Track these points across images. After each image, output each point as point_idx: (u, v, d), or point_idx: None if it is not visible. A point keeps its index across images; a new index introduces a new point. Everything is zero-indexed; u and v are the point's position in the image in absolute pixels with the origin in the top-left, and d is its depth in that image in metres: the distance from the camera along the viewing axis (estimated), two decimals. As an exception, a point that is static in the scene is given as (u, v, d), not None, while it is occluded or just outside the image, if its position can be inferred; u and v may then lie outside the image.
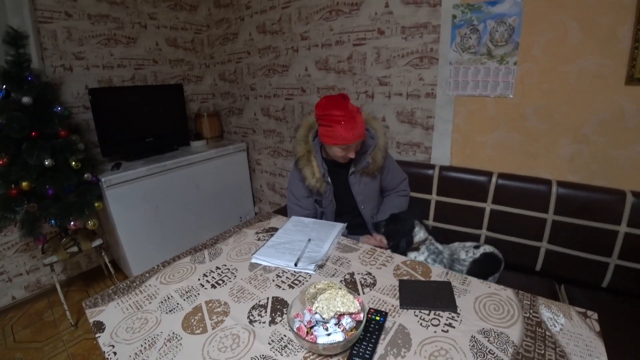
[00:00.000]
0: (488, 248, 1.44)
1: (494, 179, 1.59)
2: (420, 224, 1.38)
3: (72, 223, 1.83)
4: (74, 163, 1.78)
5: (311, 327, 0.75)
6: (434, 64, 1.70)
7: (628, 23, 1.25)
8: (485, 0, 1.48)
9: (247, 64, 2.66)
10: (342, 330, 0.73)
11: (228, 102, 2.99)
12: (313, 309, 0.77)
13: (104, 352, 0.80)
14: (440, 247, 1.42)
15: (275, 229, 1.37)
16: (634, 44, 1.25)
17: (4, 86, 1.65)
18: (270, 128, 2.68)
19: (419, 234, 1.35)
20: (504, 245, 1.57)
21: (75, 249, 1.95)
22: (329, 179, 1.47)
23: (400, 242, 1.32)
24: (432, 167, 1.74)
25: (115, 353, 0.79)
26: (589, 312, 0.87)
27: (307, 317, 0.77)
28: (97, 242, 2.03)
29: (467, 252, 1.41)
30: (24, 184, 1.66)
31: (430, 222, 1.77)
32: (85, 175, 1.88)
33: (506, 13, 1.45)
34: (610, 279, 1.43)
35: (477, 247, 1.43)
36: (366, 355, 0.72)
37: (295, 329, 0.72)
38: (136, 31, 2.51)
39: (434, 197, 1.74)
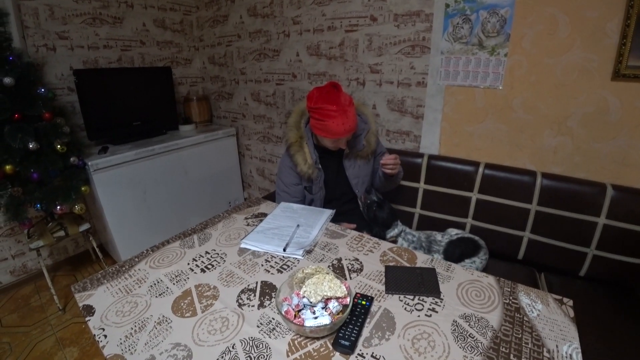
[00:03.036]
0: (466, 234, 1.50)
1: (480, 169, 1.62)
2: (397, 223, 1.48)
3: (58, 207, 1.80)
4: (59, 147, 1.75)
5: (299, 311, 0.77)
6: (425, 53, 1.70)
7: (617, 18, 1.26)
8: (478, -10, 1.48)
9: (238, 47, 2.61)
10: (329, 314, 0.76)
11: (217, 86, 2.94)
12: (301, 293, 0.79)
13: (94, 335, 0.81)
14: (415, 233, 1.49)
15: (265, 215, 1.38)
16: (621, 39, 1.27)
17: (-16, 66, 1.59)
18: (260, 113, 2.66)
19: (394, 230, 1.43)
20: (489, 234, 1.62)
21: (62, 233, 1.93)
22: (320, 166, 1.48)
23: (373, 230, 1.40)
24: (421, 155, 1.77)
25: (105, 336, 0.80)
26: (565, 299, 0.91)
27: (295, 301, 0.79)
28: (85, 226, 2.01)
29: (443, 235, 1.47)
30: (7, 167, 1.63)
31: (418, 210, 1.80)
32: (72, 159, 1.84)
33: (499, 4, 1.45)
34: (587, 268, 1.48)
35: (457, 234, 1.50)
36: (352, 338, 0.74)
37: (283, 312, 0.74)
38: (122, 11, 2.44)
39: (422, 186, 1.77)
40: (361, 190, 1.55)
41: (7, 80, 1.59)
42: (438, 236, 1.50)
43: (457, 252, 1.43)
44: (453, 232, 1.54)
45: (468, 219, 1.69)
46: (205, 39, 2.88)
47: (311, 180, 1.49)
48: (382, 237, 1.40)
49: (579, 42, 1.35)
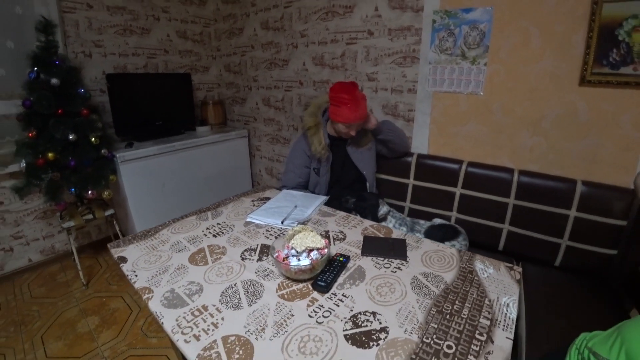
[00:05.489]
0: (448, 222, 1.66)
1: (464, 167, 1.79)
2: (382, 201, 1.63)
3: (89, 192, 2.05)
4: (93, 139, 2.01)
5: (286, 258, 0.97)
6: (415, 63, 1.91)
7: (581, 31, 1.43)
8: (461, 7, 1.68)
9: (251, 57, 2.87)
10: (310, 260, 0.95)
11: (232, 92, 3.20)
12: (289, 245, 0.98)
13: (127, 275, 1.02)
14: (401, 215, 1.69)
15: (268, 199, 1.59)
16: (586, 49, 1.43)
17: (35, 68, 1.87)
18: (270, 117, 2.90)
19: (382, 209, 1.60)
20: (471, 226, 1.77)
21: (90, 216, 2.18)
22: (330, 150, 1.74)
23: (367, 217, 1.56)
24: (411, 154, 1.95)
25: (136, 275, 1.01)
26: (515, 267, 1.07)
27: (285, 251, 0.99)
28: (110, 211, 2.26)
29: (426, 222, 1.63)
30: (50, 154, 1.89)
31: (407, 204, 1.98)
32: (102, 150, 2.10)
33: (478, 20, 1.65)
34: (561, 258, 1.60)
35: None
36: (328, 281, 0.93)
37: (274, 256, 0.94)
38: (150, 23, 2.73)
39: (411, 182, 1.95)
40: (368, 172, 1.81)
41: (54, 80, 1.86)
42: (422, 221, 1.68)
43: (438, 235, 1.59)
44: (437, 221, 1.71)
45: (453, 212, 1.85)
46: (222, 49, 3.15)
47: (320, 161, 1.73)
48: (375, 215, 1.59)
49: (549, 52, 1.52)
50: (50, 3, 2.17)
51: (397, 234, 1.27)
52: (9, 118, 2.11)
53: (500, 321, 0.83)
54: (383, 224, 1.57)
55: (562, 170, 1.62)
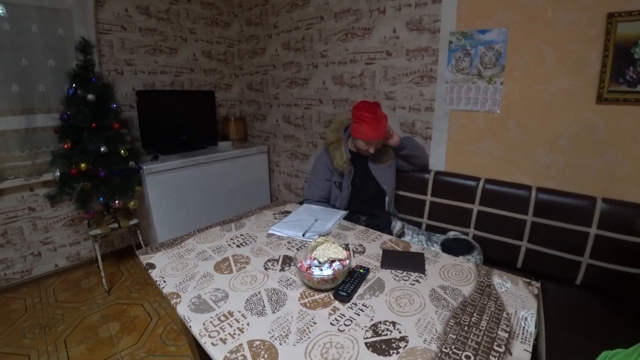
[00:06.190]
0: (462, 236, 1.67)
1: (481, 184, 1.80)
2: (394, 217, 1.67)
3: (117, 202, 2.15)
4: (122, 151, 2.12)
5: (309, 268, 1.01)
6: (432, 82, 1.96)
7: (596, 50, 1.45)
8: (476, 29, 1.74)
9: (272, 75, 2.99)
10: (332, 271, 0.99)
11: (253, 109, 3.32)
12: (312, 255, 1.02)
13: (156, 281, 1.07)
14: (417, 228, 1.73)
15: (289, 212, 1.64)
16: (602, 68, 1.45)
17: (74, 85, 2.00)
18: (289, 133, 2.98)
19: (396, 226, 1.63)
20: (489, 243, 1.77)
21: (115, 225, 2.27)
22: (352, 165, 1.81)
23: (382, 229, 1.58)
24: (429, 171, 1.98)
25: (165, 281, 1.07)
26: (533, 282, 1.08)
27: (308, 262, 1.03)
28: (134, 221, 2.35)
29: (442, 235, 1.66)
30: (82, 165, 2.01)
31: (425, 220, 2.00)
32: (130, 163, 2.21)
33: (494, 40, 1.70)
34: (583, 276, 1.58)
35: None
36: (349, 291, 0.97)
37: (297, 266, 0.98)
38: (177, 43, 2.89)
39: (428, 198, 1.97)
40: (388, 187, 1.86)
41: (90, 96, 1.99)
42: (437, 235, 1.70)
43: (453, 247, 1.61)
44: (451, 234, 1.73)
45: (470, 229, 1.86)
46: (244, 68, 3.29)
47: (343, 175, 1.80)
48: (390, 233, 1.61)
49: (564, 71, 1.55)
50: (89, 25, 2.33)
51: (415, 247, 1.30)
52: (46, 130, 2.25)
53: (518, 334, 0.84)
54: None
55: (581, 187, 1.61)
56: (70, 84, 2.01)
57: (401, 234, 1.63)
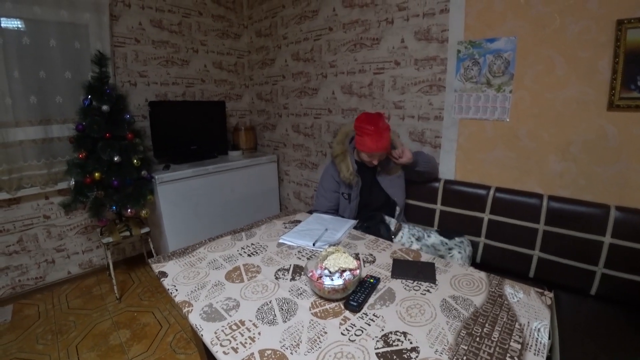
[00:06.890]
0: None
1: (491, 192, 1.79)
2: (389, 217, 1.68)
3: (129, 210, 2.19)
4: (135, 161, 2.16)
5: (320, 277, 1.01)
6: (441, 91, 1.97)
7: (606, 57, 1.44)
8: (485, 37, 1.75)
9: (282, 86, 3.03)
10: (343, 280, 0.99)
11: (263, 119, 3.36)
12: (323, 265, 1.03)
13: (168, 289, 1.09)
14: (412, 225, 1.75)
15: (299, 221, 1.65)
16: (612, 75, 1.44)
17: (89, 96, 2.06)
18: (299, 143, 3.01)
19: (392, 222, 1.65)
20: (500, 253, 1.75)
21: (127, 233, 2.31)
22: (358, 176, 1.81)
23: (380, 230, 1.60)
24: (438, 180, 1.98)
25: (176, 290, 1.08)
26: (546, 292, 1.07)
27: (318, 271, 1.03)
28: (145, 229, 2.38)
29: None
30: (96, 174, 2.05)
31: (435, 229, 1.98)
32: (143, 172, 2.25)
33: (502, 49, 1.71)
34: (597, 286, 1.55)
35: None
36: (359, 301, 0.97)
37: (308, 275, 0.99)
38: (189, 55, 2.95)
39: (438, 207, 1.96)
40: (398, 198, 1.86)
41: (105, 107, 2.05)
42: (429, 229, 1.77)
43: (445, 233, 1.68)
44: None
45: (481, 238, 1.83)
46: (254, 78, 3.34)
47: (351, 186, 1.80)
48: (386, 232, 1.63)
49: (574, 78, 1.54)
50: (104, 38, 2.40)
51: (424, 257, 1.29)
52: (62, 140, 2.31)
53: (531, 345, 0.83)
54: (399, 236, 1.64)
55: (594, 195, 1.59)
56: (86, 95, 2.06)
57: (399, 229, 1.64)
